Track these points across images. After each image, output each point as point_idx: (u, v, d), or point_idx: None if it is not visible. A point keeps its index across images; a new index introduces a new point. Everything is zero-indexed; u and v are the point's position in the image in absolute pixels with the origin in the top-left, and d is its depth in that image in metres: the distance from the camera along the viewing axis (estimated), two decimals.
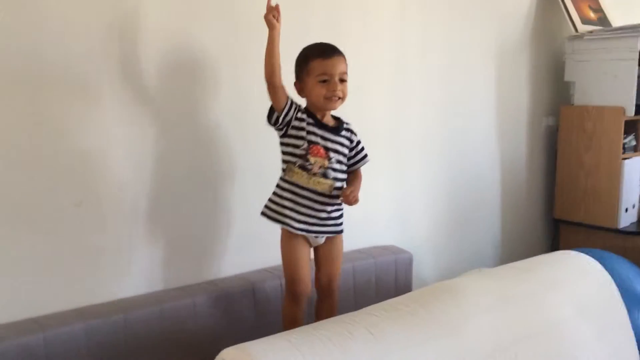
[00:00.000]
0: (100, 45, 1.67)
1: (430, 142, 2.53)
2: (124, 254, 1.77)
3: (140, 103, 1.76)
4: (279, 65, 1.63)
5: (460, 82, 2.61)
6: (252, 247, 2.01)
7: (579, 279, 1.87)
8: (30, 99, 1.58)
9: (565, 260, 1.97)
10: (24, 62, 1.56)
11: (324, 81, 1.69)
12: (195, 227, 1.91)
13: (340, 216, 1.80)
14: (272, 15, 1.61)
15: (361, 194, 2.21)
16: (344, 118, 1.82)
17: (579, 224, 2.88)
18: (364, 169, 2.26)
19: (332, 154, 1.73)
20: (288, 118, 1.68)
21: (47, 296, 1.64)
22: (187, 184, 1.88)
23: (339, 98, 1.71)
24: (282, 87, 1.66)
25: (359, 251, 2.26)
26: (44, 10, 1.58)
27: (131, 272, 1.79)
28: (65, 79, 1.63)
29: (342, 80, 1.71)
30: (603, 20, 2.99)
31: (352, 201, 1.73)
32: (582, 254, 2.00)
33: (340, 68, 1.71)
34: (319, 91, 1.69)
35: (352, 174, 1.82)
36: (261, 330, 1.87)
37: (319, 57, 1.69)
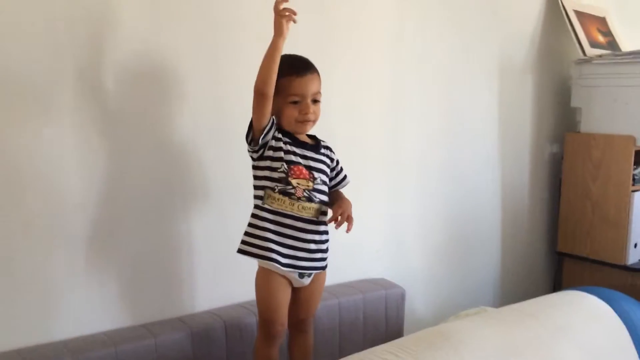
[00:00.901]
0: (52, 49, 1.50)
1: (426, 167, 2.38)
2: (76, 286, 1.58)
3: (98, 113, 1.59)
4: (275, 74, 1.45)
5: (459, 104, 2.47)
6: (226, 279, 1.83)
7: (588, 324, 1.75)
8: None
9: (573, 303, 1.85)
10: None
11: (295, 102, 1.53)
12: (161, 255, 1.72)
13: (328, 249, 1.62)
14: (287, 19, 1.42)
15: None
16: (319, 136, 1.66)
17: (584, 259, 2.72)
18: (353, 193, 2.11)
19: (316, 174, 1.55)
20: (267, 138, 1.51)
21: None
22: (153, 206, 1.70)
23: (311, 121, 1.55)
24: (271, 101, 1.47)
25: (345, 285, 2.08)
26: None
27: (83, 308, 1.60)
28: (16, 92, 1.46)
29: (315, 101, 1.56)
30: (613, 44, 2.85)
31: (346, 221, 1.54)
32: (590, 295, 1.88)
33: (313, 88, 1.55)
34: (290, 113, 1.53)
35: (334, 194, 1.64)
36: None
37: (290, 74, 1.52)
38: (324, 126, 1.97)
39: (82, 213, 1.58)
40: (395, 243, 2.31)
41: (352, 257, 2.15)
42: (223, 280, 1.82)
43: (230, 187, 1.81)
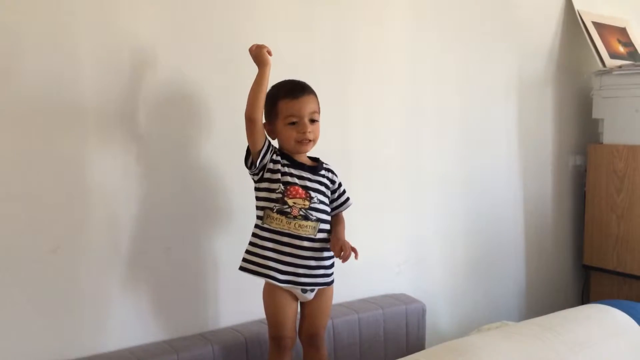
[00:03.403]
0: (89, 79, 1.59)
1: (447, 182, 2.39)
2: (103, 304, 1.64)
3: (127, 140, 1.66)
4: (264, 102, 1.56)
5: (479, 119, 2.48)
6: (248, 296, 1.84)
7: (609, 338, 1.70)
8: (13, 134, 1.50)
9: (594, 316, 1.81)
10: (9, 96, 1.49)
11: (293, 123, 1.59)
12: (185, 274, 1.78)
13: (333, 265, 1.66)
14: (266, 51, 1.55)
15: (370, 236, 2.12)
16: (323, 158, 1.71)
17: (611, 272, 2.67)
18: (374, 210, 2.14)
19: (313, 194, 1.60)
20: (265, 161, 1.59)
21: (17, 351, 1.52)
22: (177, 226, 1.76)
23: (311, 140, 1.61)
24: (262, 125, 1.57)
25: (365, 300, 2.10)
26: (30, 43, 1.51)
27: (110, 325, 1.65)
28: (51, 113, 1.55)
29: (313, 121, 1.61)
30: (634, 54, 2.83)
31: (346, 255, 1.57)
32: (613, 309, 1.84)
33: (309, 108, 1.60)
34: (289, 134, 1.60)
35: (334, 218, 1.68)
36: None
37: (286, 98, 1.60)
38: (343, 145, 2.03)
39: (107, 235, 1.64)
40: (416, 258, 2.32)
41: (372, 272, 2.17)
42: (244, 296, 1.85)
43: (251, 208, 1.83)
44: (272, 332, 1.63)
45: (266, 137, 1.59)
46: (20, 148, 1.51)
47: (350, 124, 2.09)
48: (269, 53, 1.56)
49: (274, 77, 1.61)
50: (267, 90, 1.61)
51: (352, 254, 1.58)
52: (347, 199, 1.71)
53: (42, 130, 1.54)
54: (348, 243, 1.60)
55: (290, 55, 1.82)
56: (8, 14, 1.47)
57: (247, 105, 1.54)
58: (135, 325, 1.69)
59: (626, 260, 2.61)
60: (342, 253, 1.57)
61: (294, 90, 1.60)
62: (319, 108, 1.64)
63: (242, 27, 1.82)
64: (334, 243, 1.60)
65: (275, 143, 1.65)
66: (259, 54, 1.55)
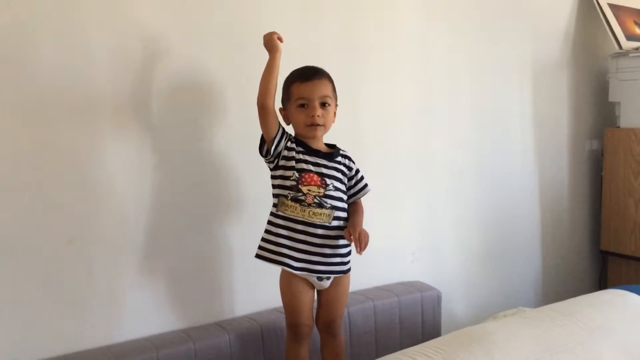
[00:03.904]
0: (101, 70, 1.59)
1: (460, 169, 2.37)
2: (119, 295, 1.65)
3: (141, 130, 1.67)
4: (275, 88, 1.55)
5: (493, 104, 2.46)
6: (263, 284, 1.85)
7: (628, 323, 1.69)
8: (27, 126, 1.51)
9: (612, 301, 1.79)
10: (23, 89, 1.50)
11: (303, 106, 1.58)
12: (200, 264, 1.78)
13: (349, 253, 1.65)
14: (277, 37, 1.55)
15: (384, 224, 2.12)
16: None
17: (629, 257, 2.64)
18: (387, 197, 2.14)
19: (328, 181, 1.59)
20: (279, 149, 1.58)
21: (33, 342, 1.53)
22: (192, 217, 1.76)
23: (320, 125, 1.58)
24: (274, 112, 1.56)
25: (381, 288, 2.09)
26: (42, 34, 1.51)
27: (127, 314, 1.67)
28: (63, 105, 1.55)
29: (325, 104, 1.59)
30: None
31: (364, 242, 1.56)
32: (631, 294, 1.83)
33: (320, 91, 1.58)
34: (298, 117, 1.59)
35: (352, 206, 1.67)
36: None
37: (297, 81, 1.59)
38: (356, 133, 2.02)
39: (122, 226, 1.65)
40: (431, 246, 2.31)
41: (387, 260, 2.16)
42: (260, 285, 1.86)
43: (264, 197, 1.84)
44: (288, 320, 1.64)
45: (280, 124, 1.59)
46: (32, 141, 1.52)
47: (362, 112, 2.08)
48: (280, 39, 1.55)
49: (286, 67, 1.60)
50: (284, 76, 1.61)
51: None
52: (365, 185, 1.70)
53: (55, 122, 1.54)
54: (365, 232, 1.58)
55: (300, 43, 1.81)
56: (20, 7, 1.48)
57: (259, 92, 1.54)
58: (152, 315, 1.71)
59: None
60: (358, 239, 1.55)
61: (307, 73, 1.60)
62: (333, 94, 1.63)
63: (254, 16, 1.81)
64: (351, 230, 1.58)
65: (291, 130, 1.65)
66: (269, 40, 1.55)
